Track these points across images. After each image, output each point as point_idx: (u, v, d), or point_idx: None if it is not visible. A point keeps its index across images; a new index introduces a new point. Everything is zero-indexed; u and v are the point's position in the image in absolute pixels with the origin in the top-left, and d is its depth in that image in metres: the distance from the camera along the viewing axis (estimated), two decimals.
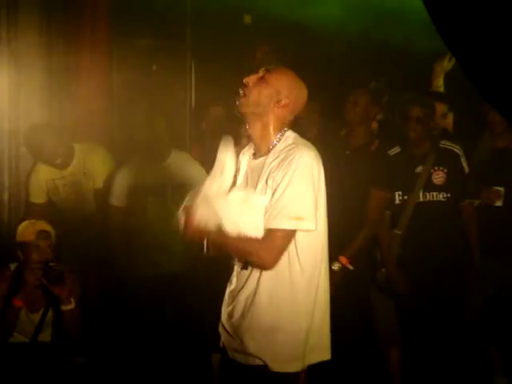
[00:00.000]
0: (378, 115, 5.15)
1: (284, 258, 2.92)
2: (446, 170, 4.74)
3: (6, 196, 5.38)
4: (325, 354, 3.07)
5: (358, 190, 4.63)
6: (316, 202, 2.91)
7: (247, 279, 3.01)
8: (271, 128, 3.01)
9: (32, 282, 4.19)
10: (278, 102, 2.99)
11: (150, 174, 4.82)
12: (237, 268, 3.08)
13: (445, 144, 4.81)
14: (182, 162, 4.85)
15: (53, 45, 5.43)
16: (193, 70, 6.46)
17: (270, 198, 2.90)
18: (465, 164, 4.77)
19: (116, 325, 5.05)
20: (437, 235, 4.67)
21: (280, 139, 3.00)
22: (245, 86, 3.00)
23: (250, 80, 3.01)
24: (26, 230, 4.37)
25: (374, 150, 4.80)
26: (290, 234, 2.89)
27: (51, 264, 4.18)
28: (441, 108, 5.31)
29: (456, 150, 4.79)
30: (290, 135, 3.02)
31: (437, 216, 4.70)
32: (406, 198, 4.73)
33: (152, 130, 4.80)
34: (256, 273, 2.98)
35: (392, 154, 4.81)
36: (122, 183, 4.88)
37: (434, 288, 4.66)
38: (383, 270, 4.74)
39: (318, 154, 2.98)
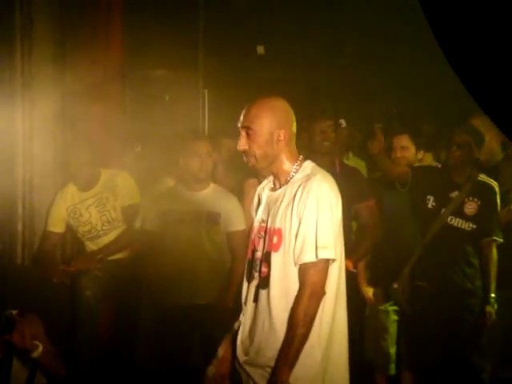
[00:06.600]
0: None
1: (296, 288, 2.91)
2: (479, 203, 4.71)
3: (20, 227, 5.35)
4: None
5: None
6: (334, 232, 2.92)
7: (259, 314, 2.99)
8: (286, 159, 3.02)
9: None
10: (279, 128, 2.99)
11: (187, 201, 4.79)
12: (247, 301, 3.07)
13: (483, 178, 4.77)
14: (219, 194, 4.81)
15: (66, 76, 5.45)
16: (206, 100, 6.48)
17: (295, 230, 2.91)
18: (499, 201, 4.74)
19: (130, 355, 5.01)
20: (451, 261, 4.67)
21: (297, 169, 3.01)
22: (244, 151, 3.02)
23: (242, 143, 3.01)
24: None
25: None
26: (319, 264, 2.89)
27: None
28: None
29: (494, 185, 4.76)
30: (308, 165, 3.03)
31: (456, 243, 4.70)
32: (436, 205, 4.73)
33: (197, 159, 4.77)
34: (266, 307, 2.96)
35: (433, 165, 4.90)
36: (155, 207, 4.86)
37: (438, 312, 4.65)
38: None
39: (335, 184, 2.99)
